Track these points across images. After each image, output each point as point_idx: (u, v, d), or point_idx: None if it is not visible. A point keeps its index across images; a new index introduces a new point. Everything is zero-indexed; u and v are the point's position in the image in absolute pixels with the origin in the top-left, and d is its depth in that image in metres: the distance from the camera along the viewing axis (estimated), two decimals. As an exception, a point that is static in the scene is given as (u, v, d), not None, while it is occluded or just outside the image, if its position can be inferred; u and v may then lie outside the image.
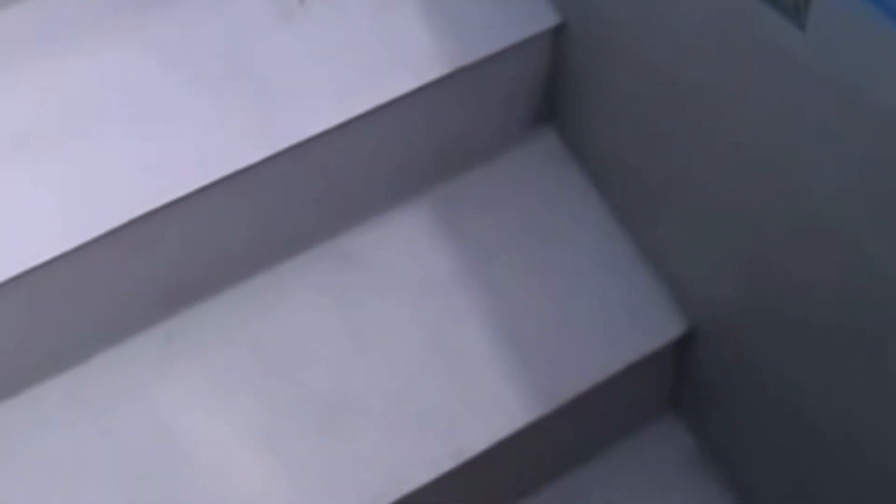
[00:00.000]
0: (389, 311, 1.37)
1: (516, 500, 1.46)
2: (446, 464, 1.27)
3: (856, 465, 1.18)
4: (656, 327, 1.36)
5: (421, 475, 1.26)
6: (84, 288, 1.26)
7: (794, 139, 1.04)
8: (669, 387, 1.47)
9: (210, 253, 1.32)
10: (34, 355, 1.28)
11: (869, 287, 1.02)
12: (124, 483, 1.25)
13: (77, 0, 1.33)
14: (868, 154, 0.95)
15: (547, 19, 1.37)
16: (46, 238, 1.20)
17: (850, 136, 0.96)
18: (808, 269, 1.11)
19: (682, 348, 1.38)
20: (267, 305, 1.35)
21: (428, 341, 1.35)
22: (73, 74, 1.29)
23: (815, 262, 1.09)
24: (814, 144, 1.02)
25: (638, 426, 1.50)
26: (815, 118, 0.99)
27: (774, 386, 1.27)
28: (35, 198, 1.23)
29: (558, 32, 1.38)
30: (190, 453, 1.27)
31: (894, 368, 1.05)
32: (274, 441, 1.28)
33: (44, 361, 1.29)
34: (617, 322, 1.36)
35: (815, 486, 1.29)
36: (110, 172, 1.24)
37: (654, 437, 1.51)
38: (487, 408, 1.31)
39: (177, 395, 1.30)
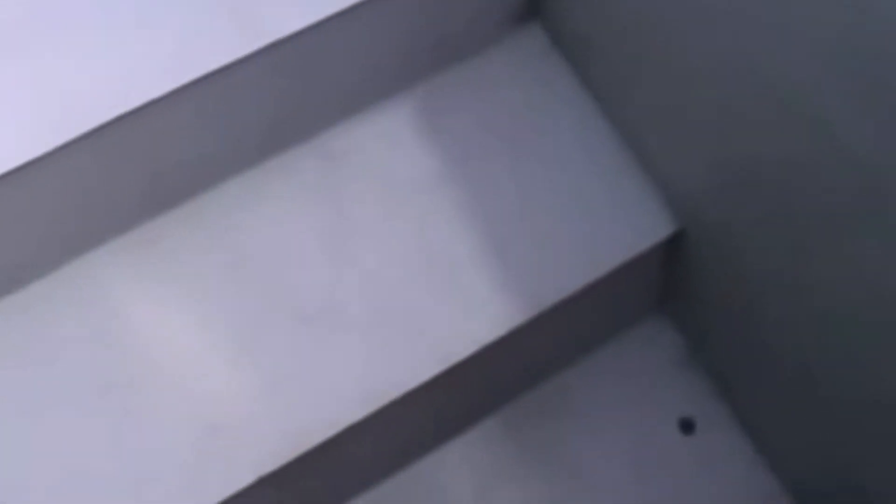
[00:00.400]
0: (372, 213, 1.34)
1: (502, 404, 1.45)
2: (432, 369, 1.26)
3: (842, 354, 1.18)
4: (645, 228, 1.33)
5: (405, 381, 1.25)
6: (61, 193, 1.22)
7: (766, 31, 1.01)
8: (657, 287, 1.46)
9: (189, 155, 1.29)
10: (10, 261, 1.26)
11: (840, 169, 1.00)
12: (100, 385, 1.24)
13: None
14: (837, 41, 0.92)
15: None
16: (21, 142, 1.16)
17: (819, 27, 0.92)
18: (784, 154, 1.08)
19: (671, 249, 1.36)
20: (247, 207, 1.32)
21: (412, 243, 1.32)
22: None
23: (789, 148, 1.07)
24: (785, 35, 0.98)
25: (625, 327, 1.49)
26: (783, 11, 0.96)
27: (760, 282, 1.25)
28: (9, 102, 1.18)
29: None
30: (167, 357, 1.26)
31: (867, 245, 1.04)
32: (252, 346, 1.27)
33: (21, 267, 1.27)
34: (605, 223, 1.33)
35: (802, 379, 1.28)
36: (86, 75, 1.19)
37: (642, 338, 1.50)
38: (474, 312, 1.28)
39: (154, 298, 1.28)
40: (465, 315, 1.28)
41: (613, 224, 1.33)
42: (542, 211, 1.33)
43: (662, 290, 1.47)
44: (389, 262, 1.31)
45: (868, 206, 1.00)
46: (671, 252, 1.37)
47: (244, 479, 1.20)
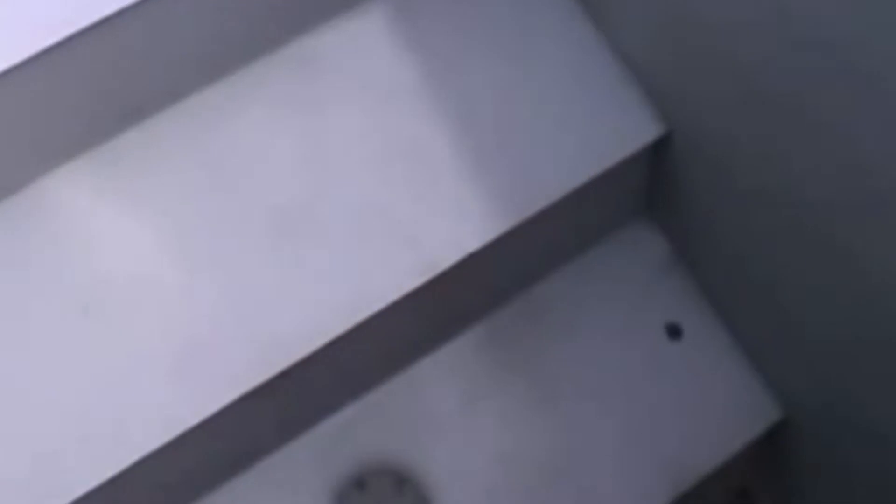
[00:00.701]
0: (350, 119, 1.29)
1: (486, 312, 1.43)
2: (416, 279, 1.23)
3: (822, 260, 1.16)
4: (631, 131, 1.30)
5: (389, 292, 1.22)
6: (28, 106, 1.18)
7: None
8: (644, 192, 1.43)
9: (156, 67, 1.24)
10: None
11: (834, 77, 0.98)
12: (69, 307, 1.21)
13: None
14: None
15: None
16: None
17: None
18: (767, 53, 1.06)
19: (657, 153, 1.33)
20: (221, 116, 1.28)
21: (391, 151, 1.28)
22: None
23: (773, 48, 1.04)
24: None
25: (610, 232, 1.46)
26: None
27: (746, 189, 1.23)
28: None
29: None
30: (139, 275, 1.22)
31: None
32: (229, 259, 1.23)
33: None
34: (591, 127, 1.29)
35: (786, 282, 1.27)
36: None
37: (627, 243, 1.47)
38: (458, 219, 1.25)
39: (123, 215, 1.24)
40: (449, 223, 1.25)
41: (600, 127, 1.29)
42: (526, 115, 1.29)
43: (648, 195, 1.44)
44: (370, 170, 1.27)
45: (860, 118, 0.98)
46: (658, 156, 1.34)
47: (226, 396, 1.17)
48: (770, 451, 1.47)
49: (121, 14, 1.12)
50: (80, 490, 1.13)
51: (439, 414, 1.39)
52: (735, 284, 1.40)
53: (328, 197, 1.26)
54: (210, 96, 1.28)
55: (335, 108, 1.30)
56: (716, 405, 1.43)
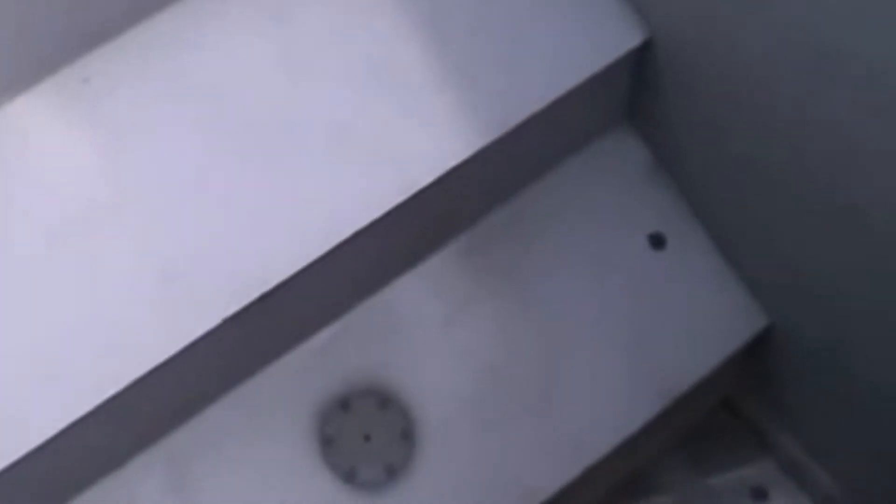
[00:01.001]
0: (326, 31, 1.25)
1: (466, 227, 1.40)
2: (394, 198, 1.20)
3: (805, 165, 1.15)
4: (614, 38, 1.26)
5: (369, 211, 1.19)
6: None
7: None
8: (626, 100, 1.39)
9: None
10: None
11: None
12: (42, 235, 1.17)
13: None
14: None
15: None
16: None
17: None
18: None
19: (639, 59, 1.29)
20: (191, 31, 1.23)
21: (367, 66, 1.24)
22: None
23: None
24: None
25: (592, 141, 1.43)
26: None
27: (728, 90, 1.20)
28: None
29: None
30: (113, 201, 1.19)
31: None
32: (203, 181, 1.20)
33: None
34: (571, 34, 1.25)
35: (767, 191, 1.25)
36: None
37: (609, 151, 1.44)
38: (437, 134, 1.22)
39: (92, 136, 1.20)
40: (429, 138, 1.21)
41: (580, 35, 1.25)
42: (504, 25, 1.25)
43: (630, 103, 1.40)
44: (347, 88, 1.23)
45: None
46: (640, 63, 1.31)
47: (207, 322, 1.15)
48: (754, 359, 1.46)
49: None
50: (53, 429, 1.11)
51: (422, 330, 1.37)
52: (719, 193, 1.38)
53: (305, 116, 1.22)
54: (181, 9, 1.23)
55: (309, 17, 1.25)
56: (701, 314, 1.42)
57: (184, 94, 1.22)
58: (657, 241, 1.43)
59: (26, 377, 1.13)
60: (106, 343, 1.14)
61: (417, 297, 1.38)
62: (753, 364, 1.49)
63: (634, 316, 1.41)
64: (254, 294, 1.16)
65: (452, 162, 1.21)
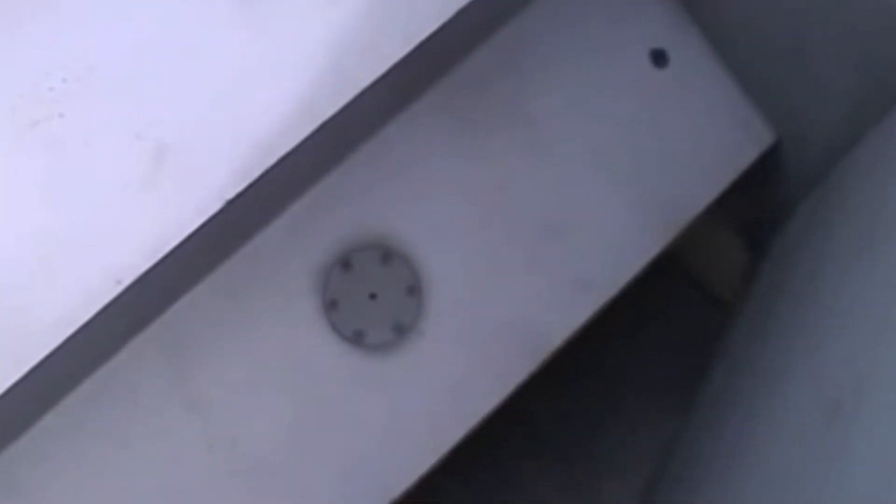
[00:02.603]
0: None
1: (460, 60, 1.28)
2: (397, 51, 1.07)
3: None
4: None
5: (371, 70, 1.07)
6: None
7: None
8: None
9: None
10: None
11: None
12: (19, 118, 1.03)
13: None
14: None
15: None
16: None
17: None
18: None
19: None
20: None
21: None
22: None
23: None
24: None
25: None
26: None
27: None
28: None
29: None
30: (98, 72, 1.04)
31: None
32: (193, 49, 1.06)
33: None
34: None
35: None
36: None
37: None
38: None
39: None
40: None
41: None
42: None
43: None
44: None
45: None
46: None
47: (210, 206, 1.03)
48: (761, 178, 1.40)
49: None
50: (57, 335, 1.01)
51: (419, 175, 1.27)
52: (721, 4, 1.29)
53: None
54: None
55: None
56: (707, 133, 1.34)
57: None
58: (659, 58, 1.33)
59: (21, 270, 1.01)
60: (99, 237, 1.02)
61: (411, 140, 1.27)
62: (760, 183, 1.42)
63: (636, 139, 1.33)
64: (256, 171, 1.04)
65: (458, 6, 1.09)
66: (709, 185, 1.34)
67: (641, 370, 1.64)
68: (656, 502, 1.44)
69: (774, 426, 1.06)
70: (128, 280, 1.02)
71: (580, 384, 1.57)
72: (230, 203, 1.04)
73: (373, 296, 1.25)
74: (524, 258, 1.29)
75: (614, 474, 1.60)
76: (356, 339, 1.23)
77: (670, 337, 1.64)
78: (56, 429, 1.18)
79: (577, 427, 1.61)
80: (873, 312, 0.93)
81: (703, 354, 1.48)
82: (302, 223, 1.24)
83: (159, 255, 1.02)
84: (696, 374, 1.46)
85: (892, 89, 1.11)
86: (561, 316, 1.29)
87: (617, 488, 1.59)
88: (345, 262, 1.24)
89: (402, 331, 1.24)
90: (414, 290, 1.25)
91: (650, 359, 1.64)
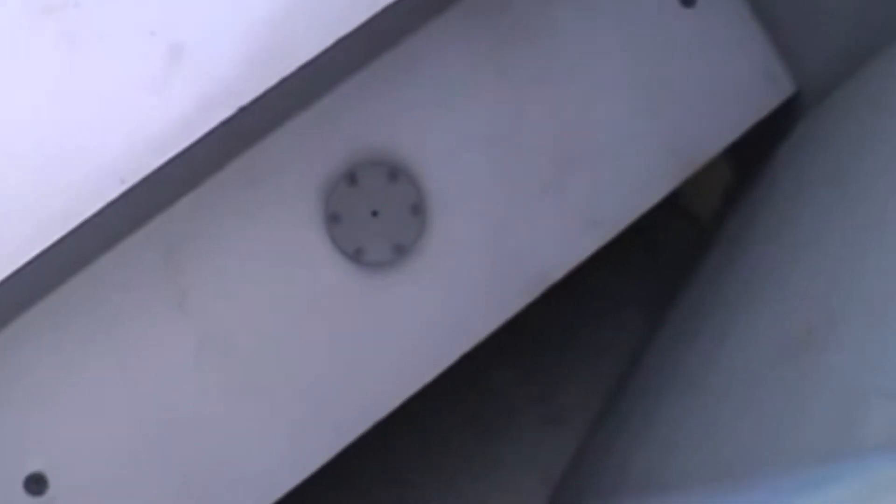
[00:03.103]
0: None
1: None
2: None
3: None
4: None
5: None
6: None
7: None
8: None
9: None
10: None
11: None
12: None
13: None
14: None
15: None
16: None
17: None
18: None
19: None
20: None
21: None
22: None
23: None
24: None
25: None
26: None
27: None
28: None
29: None
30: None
31: None
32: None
33: None
34: None
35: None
36: None
37: None
38: None
39: None
40: None
41: None
42: None
43: None
44: None
45: None
46: None
47: (222, 111, 1.01)
48: (779, 127, 1.38)
49: None
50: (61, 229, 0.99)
51: (435, 95, 1.24)
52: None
53: None
54: None
55: None
56: (730, 77, 1.31)
57: None
58: (687, -3, 1.30)
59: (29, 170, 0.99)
60: (105, 134, 1.00)
61: (430, 57, 1.24)
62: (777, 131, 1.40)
63: (658, 77, 1.30)
64: (273, 79, 1.02)
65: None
66: (726, 130, 1.31)
67: (614, 286, 1.62)
68: (620, 410, 1.43)
69: (745, 345, 1.06)
70: (132, 180, 1.00)
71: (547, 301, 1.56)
72: (242, 109, 1.01)
73: (375, 213, 1.23)
74: (535, 188, 1.26)
75: (581, 384, 1.59)
76: (356, 255, 1.22)
77: (645, 253, 1.62)
78: (43, 319, 1.17)
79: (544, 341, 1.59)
80: (852, 241, 0.92)
81: (678, 273, 1.46)
82: (310, 133, 1.21)
83: (165, 158, 1.00)
84: (670, 292, 1.45)
85: (891, 22, 1.09)
86: (565, 250, 1.27)
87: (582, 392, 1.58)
88: (351, 177, 1.22)
89: (402, 251, 1.23)
90: (418, 209, 1.23)
91: (623, 275, 1.62)
